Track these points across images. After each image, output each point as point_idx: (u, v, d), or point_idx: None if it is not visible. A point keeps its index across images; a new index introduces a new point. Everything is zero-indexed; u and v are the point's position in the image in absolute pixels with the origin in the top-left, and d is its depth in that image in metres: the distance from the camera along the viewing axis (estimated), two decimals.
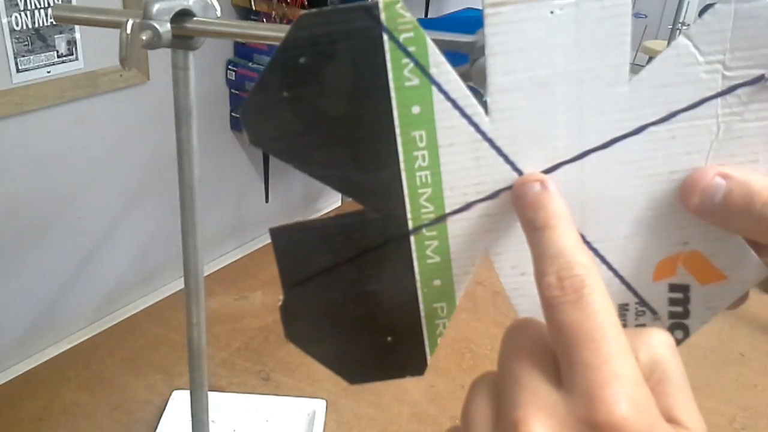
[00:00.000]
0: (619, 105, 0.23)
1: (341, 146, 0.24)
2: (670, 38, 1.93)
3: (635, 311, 0.27)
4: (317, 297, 0.27)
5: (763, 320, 1.01)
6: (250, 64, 1.89)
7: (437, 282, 0.27)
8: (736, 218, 0.23)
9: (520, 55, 0.23)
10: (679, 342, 0.27)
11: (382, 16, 0.22)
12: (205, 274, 0.62)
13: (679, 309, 0.27)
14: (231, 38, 1.65)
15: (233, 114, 1.97)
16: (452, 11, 2.20)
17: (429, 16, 2.39)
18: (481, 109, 0.24)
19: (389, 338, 0.27)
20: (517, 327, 0.23)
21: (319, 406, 0.81)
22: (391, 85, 0.23)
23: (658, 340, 0.21)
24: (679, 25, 2.02)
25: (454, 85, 0.23)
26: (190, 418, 0.67)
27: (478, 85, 0.40)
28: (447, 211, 0.25)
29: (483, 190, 0.25)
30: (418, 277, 0.26)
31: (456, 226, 0.26)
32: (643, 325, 0.27)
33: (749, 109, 0.23)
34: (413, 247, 0.26)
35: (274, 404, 0.82)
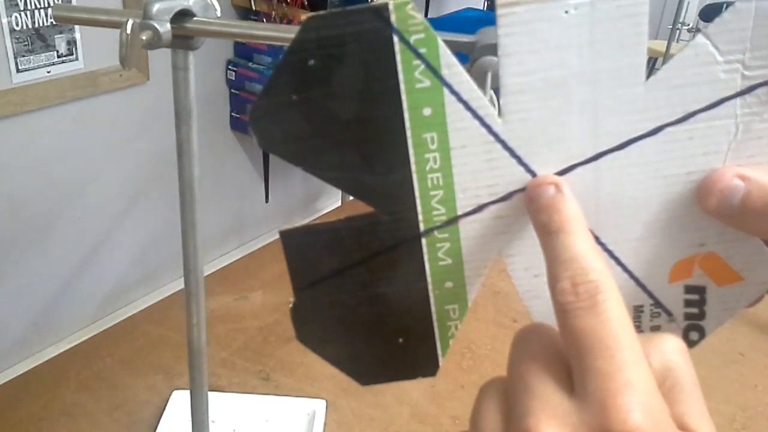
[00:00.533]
0: (636, 105, 0.23)
1: (351, 149, 0.24)
2: (670, 38, 1.93)
3: (650, 313, 0.27)
4: (328, 299, 0.27)
5: (763, 320, 1.01)
6: (250, 64, 1.89)
7: (449, 284, 0.26)
8: (754, 220, 0.22)
9: (534, 55, 0.23)
10: (694, 344, 0.27)
11: (393, 18, 0.22)
12: (205, 274, 0.62)
13: (694, 310, 0.26)
14: (231, 38, 1.65)
15: (233, 114, 1.97)
16: (452, 11, 2.20)
17: (429, 16, 2.39)
18: (493, 111, 0.23)
19: (401, 340, 0.27)
20: (528, 332, 0.22)
21: (319, 406, 0.81)
22: (402, 87, 0.23)
23: (671, 347, 0.21)
24: (679, 25, 2.02)
25: (466, 86, 0.23)
26: (190, 418, 0.67)
27: (478, 85, 0.40)
28: (459, 213, 0.25)
29: (496, 192, 0.25)
30: (429, 279, 0.26)
31: (468, 228, 0.25)
32: (658, 327, 0.27)
33: None
34: (425, 249, 0.26)
35: (274, 404, 0.82)
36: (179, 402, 0.81)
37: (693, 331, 0.27)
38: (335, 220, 0.25)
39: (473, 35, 0.42)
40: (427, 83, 0.23)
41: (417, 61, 0.22)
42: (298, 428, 0.80)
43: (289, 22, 1.76)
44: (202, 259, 0.59)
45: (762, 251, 0.25)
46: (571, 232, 0.22)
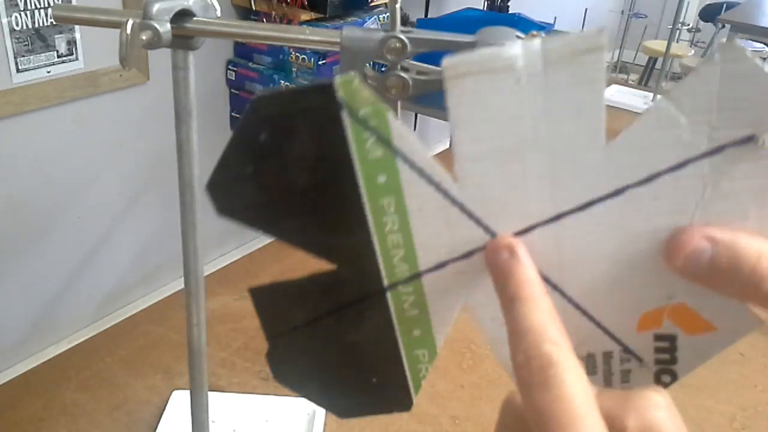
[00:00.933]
0: (596, 169, 0.22)
1: (309, 214, 0.24)
2: (670, 38, 1.93)
3: (620, 358, 0.27)
4: (300, 346, 0.27)
5: (764, 320, 1.01)
6: (250, 64, 1.89)
7: (417, 332, 0.27)
8: (722, 283, 0.22)
9: (486, 124, 0.22)
10: (667, 385, 0.26)
11: (339, 94, 0.22)
12: (205, 274, 0.62)
13: (665, 356, 0.26)
14: (231, 38, 1.65)
15: (233, 114, 1.97)
16: (452, 11, 2.20)
17: (429, 16, 2.39)
18: (448, 176, 0.23)
19: (374, 380, 0.28)
20: (505, 404, 0.23)
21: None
22: (354, 157, 0.23)
23: (650, 403, 0.21)
24: (679, 25, 2.02)
25: (419, 155, 0.23)
26: (190, 418, 0.67)
27: None
28: (421, 269, 0.25)
29: (456, 251, 0.25)
30: (397, 328, 0.27)
31: (431, 283, 0.25)
32: (628, 371, 0.27)
33: (739, 169, 0.22)
34: (390, 302, 0.26)
35: (274, 404, 0.82)
36: (179, 402, 0.81)
37: (665, 375, 0.26)
38: (300, 277, 0.26)
39: (473, 35, 0.42)
40: (379, 153, 0.23)
41: (367, 134, 0.22)
42: (298, 428, 0.80)
43: (289, 22, 1.76)
44: (202, 259, 0.59)
45: (733, 302, 0.24)
46: (526, 300, 0.21)
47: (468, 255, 0.25)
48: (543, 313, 0.21)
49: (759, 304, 0.22)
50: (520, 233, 0.24)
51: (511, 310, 0.22)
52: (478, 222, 0.24)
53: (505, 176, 0.23)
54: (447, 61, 0.21)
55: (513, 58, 0.21)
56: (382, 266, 0.25)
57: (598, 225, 0.23)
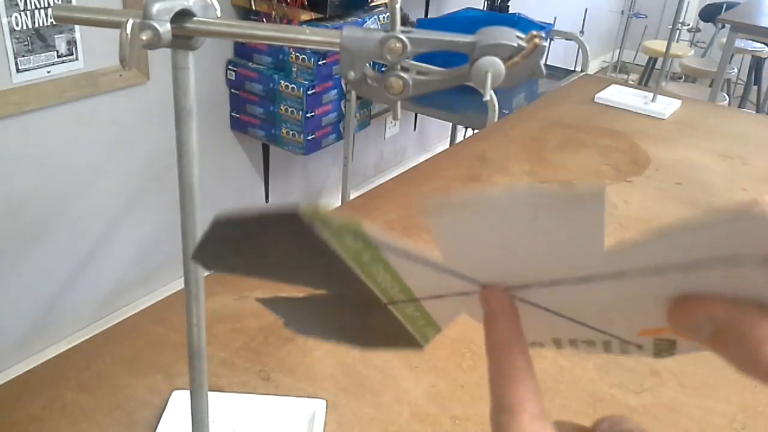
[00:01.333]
0: (596, 263, 0.21)
1: (298, 269, 0.26)
2: (670, 38, 1.93)
3: (620, 347, 0.27)
4: (312, 318, 0.31)
5: None
6: (250, 64, 1.89)
7: (422, 322, 0.29)
8: (721, 353, 0.22)
9: (472, 244, 0.22)
10: (665, 357, 0.27)
11: (307, 220, 0.21)
12: (205, 274, 0.62)
13: (664, 346, 0.27)
14: (231, 38, 1.65)
15: (233, 114, 1.97)
16: (452, 11, 2.20)
17: (429, 16, 2.39)
18: (437, 253, 0.23)
19: (384, 337, 0.31)
20: None
21: (319, 406, 0.81)
22: (335, 248, 0.22)
23: None
24: (679, 25, 2.01)
25: (400, 243, 0.22)
26: (190, 418, 0.67)
27: (477, 85, 0.40)
28: (419, 296, 0.27)
29: (452, 291, 0.26)
30: (402, 319, 0.29)
31: (431, 305, 0.27)
32: (627, 350, 0.27)
33: (757, 272, 0.20)
34: (393, 309, 0.28)
35: (274, 404, 0.82)
36: (179, 402, 0.81)
37: (663, 352, 0.27)
38: (298, 296, 0.28)
39: (473, 35, 0.42)
40: (359, 246, 0.22)
41: (344, 236, 0.22)
42: (298, 428, 0.80)
43: (289, 22, 1.76)
44: None
45: None
46: (496, 359, 0.22)
47: (464, 294, 0.25)
48: (508, 373, 0.22)
49: (758, 379, 0.21)
50: (512, 288, 0.24)
51: (489, 364, 0.23)
52: (473, 281, 0.24)
53: (496, 261, 0.23)
54: (426, 203, 0.20)
55: (497, 200, 0.20)
56: (380, 296, 0.26)
57: (598, 292, 0.23)
